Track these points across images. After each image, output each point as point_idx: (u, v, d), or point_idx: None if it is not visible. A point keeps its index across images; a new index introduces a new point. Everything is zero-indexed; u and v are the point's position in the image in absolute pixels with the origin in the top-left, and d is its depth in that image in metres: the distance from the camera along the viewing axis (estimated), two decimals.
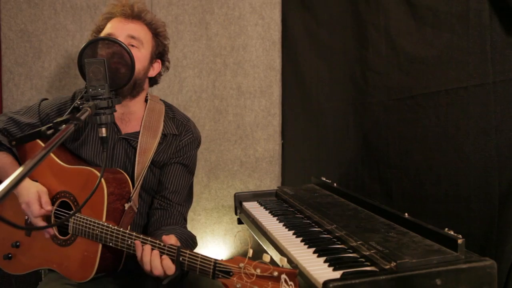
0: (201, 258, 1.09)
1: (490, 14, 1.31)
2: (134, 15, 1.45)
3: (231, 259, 1.05)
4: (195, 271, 1.09)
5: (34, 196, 1.30)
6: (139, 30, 1.44)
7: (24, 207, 1.31)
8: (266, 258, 1.05)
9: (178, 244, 1.17)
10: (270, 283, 0.99)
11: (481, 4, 1.32)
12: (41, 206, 1.31)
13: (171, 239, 1.17)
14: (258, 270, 1.00)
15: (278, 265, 1.06)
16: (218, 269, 1.05)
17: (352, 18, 1.97)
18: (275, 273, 0.99)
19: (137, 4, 1.46)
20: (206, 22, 2.47)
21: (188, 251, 1.11)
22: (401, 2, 1.65)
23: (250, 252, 1.08)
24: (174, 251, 1.12)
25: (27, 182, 1.35)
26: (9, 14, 2.20)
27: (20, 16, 2.21)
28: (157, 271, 1.12)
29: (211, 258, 1.07)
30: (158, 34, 1.50)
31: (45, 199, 1.32)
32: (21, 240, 1.42)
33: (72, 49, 2.27)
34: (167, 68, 1.60)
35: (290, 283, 0.98)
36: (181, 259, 1.11)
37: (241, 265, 1.02)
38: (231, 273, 1.03)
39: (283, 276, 0.98)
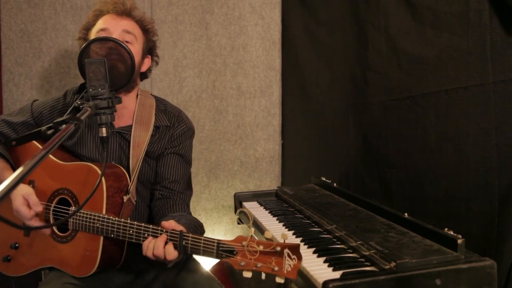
0: (203, 240, 1.10)
1: (490, 14, 1.31)
2: (126, 12, 1.48)
3: (234, 239, 1.06)
4: (199, 253, 1.11)
5: (20, 202, 1.29)
6: (132, 26, 1.48)
7: (15, 215, 1.31)
8: (268, 235, 1.06)
9: (179, 227, 1.17)
10: (273, 258, 1.01)
11: (481, 4, 1.32)
12: (30, 208, 1.30)
13: (171, 224, 1.18)
14: (261, 247, 1.02)
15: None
16: (221, 249, 1.07)
17: (352, 18, 1.97)
18: (278, 248, 1.00)
19: (128, 1, 1.49)
20: (206, 22, 2.47)
21: (190, 235, 1.13)
22: (401, 2, 1.65)
23: (252, 230, 1.09)
24: (176, 236, 1.13)
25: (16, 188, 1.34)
26: (9, 14, 2.20)
27: (20, 16, 2.21)
28: (161, 259, 1.14)
29: (214, 239, 1.09)
30: (147, 31, 1.54)
31: (33, 200, 1.30)
32: (19, 241, 1.42)
33: (72, 49, 2.27)
34: (156, 63, 1.64)
35: (293, 256, 0.99)
36: (184, 243, 1.12)
37: (244, 243, 1.04)
38: (234, 252, 1.05)
39: (286, 250, 1.00)
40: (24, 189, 1.32)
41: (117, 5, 1.46)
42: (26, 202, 1.30)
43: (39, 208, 1.31)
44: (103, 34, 1.42)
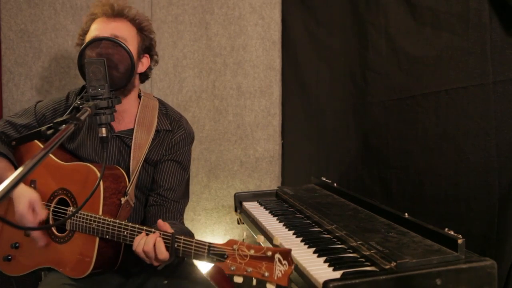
0: (195, 243, 1.10)
1: (490, 14, 1.31)
2: (116, 13, 1.44)
3: (225, 242, 1.05)
4: (190, 256, 1.11)
5: (26, 207, 1.30)
6: (122, 28, 1.43)
7: (18, 218, 1.31)
8: (260, 239, 1.05)
9: (172, 231, 1.18)
10: (264, 263, 0.99)
11: (481, 4, 1.32)
12: (34, 214, 1.31)
13: (165, 225, 1.19)
14: (252, 251, 1.01)
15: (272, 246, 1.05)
16: (212, 253, 1.06)
17: (352, 18, 1.97)
18: (269, 253, 0.99)
19: (118, 2, 1.45)
20: (206, 22, 2.47)
21: (182, 237, 1.13)
22: (401, 2, 1.65)
23: (245, 234, 1.08)
24: (169, 237, 1.13)
25: (21, 189, 1.34)
26: (9, 14, 2.20)
27: (20, 16, 2.21)
28: (150, 256, 1.14)
29: (205, 242, 1.08)
30: (142, 29, 1.49)
31: (39, 207, 1.31)
32: (20, 241, 1.42)
33: (72, 49, 2.26)
34: (156, 62, 1.59)
35: (284, 262, 0.98)
36: (176, 245, 1.12)
37: (235, 247, 1.03)
38: (225, 256, 1.04)
39: (277, 255, 0.98)
40: (31, 194, 1.32)
41: (105, 7, 1.43)
42: (32, 207, 1.30)
43: (43, 215, 1.31)
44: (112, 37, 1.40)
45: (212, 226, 2.54)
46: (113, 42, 1.27)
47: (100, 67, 1.14)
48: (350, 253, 1.23)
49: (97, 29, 1.41)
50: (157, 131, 1.51)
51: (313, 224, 1.50)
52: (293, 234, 1.41)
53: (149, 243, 1.14)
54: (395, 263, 1.03)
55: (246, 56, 2.52)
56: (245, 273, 1.01)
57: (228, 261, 1.03)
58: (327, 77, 2.21)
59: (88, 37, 1.42)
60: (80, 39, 1.49)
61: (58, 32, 2.25)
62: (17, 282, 1.84)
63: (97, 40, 1.28)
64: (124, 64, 1.28)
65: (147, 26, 1.51)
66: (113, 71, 1.26)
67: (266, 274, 0.98)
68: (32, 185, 1.42)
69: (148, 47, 1.52)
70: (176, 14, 2.42)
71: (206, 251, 1.07)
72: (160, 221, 1.19)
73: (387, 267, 1.05)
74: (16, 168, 1.42)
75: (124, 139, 1.47)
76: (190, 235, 1.43)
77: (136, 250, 1.16)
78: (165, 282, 1.38)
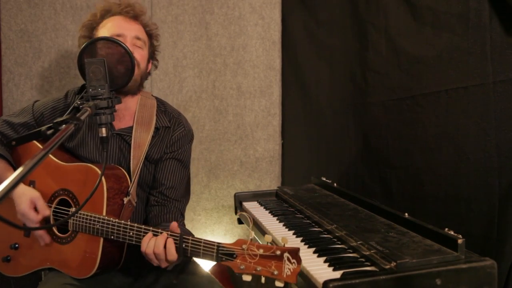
0: (204, 243, 1.10)
1: (490, 14, 1.31)
2: (136, 16, 1.49)
3: (234, 242, 1.06)
4: (199, 256, 1.11)
5: (27, 205, 1.29)
6: (142, 31, 1.50)
7: (20, 218, 1.30)
8: (268, 239, 1.06)
9: (178, 231, 1.18)
10: (273, 262, 1.01)
11: (481, 4, 1.32)
12: (37, 212, 1.30)
13: (173, 226, 1.19)
14: (261, 250, 1.02)
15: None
16: (221, 252, 1.07)
17: (352, 18, 1.97)
18: (278, 252, 1.00)
19: (137, 5, 1.50)
20: (206, 22, 2.47)
21: (190, 237, 1.13)
22: (401, 2, 1.65)
23: (252, 233, 1.09)
24: (177, 238, 1.14)
25: (21, 188, 1.33)
26: (9, 14, 2.20)
27: (20, 16, 2.21)
28: (161, 258, 1.14)
29: (214, 242, 1.09)
30: (151, 36, 1.56)
31: (41, 204, 1.31)
32: (19, 242, 1.42)
33: (72, 49, 2.27)
34: (156, 67, 1.66)
35: (293, 260, 0.99)
36: (184, 245, 1.13)
37: (244, 246, 1.04)
38: (234, 255, 1.05)
39: (286, 254, 1.00)
40: (32, 193, 1.32)
41: (129, 8, 1.46)
42: (34, 205, 1.30)
43: (47, 212, 1.31)
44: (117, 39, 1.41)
45: (212, 226, 2.54)
46: (115, 43, 1.24)
47: (100, 67, 1.14)
48: (350, 253, 1.23)
49: (121, 28, 1.43)
50: (156, 128, 1.51)
51: (313, 224, 1.50)
52: (293, 234, 1.41)
53: (159, 245, 1.14)
54: (395, 263, 1.03)
55: (246, 56, 2.52)
56: (254, 272, 1.02)
57: (237, 261, 1.04)
58: (327, 77, 2.21)
59: (105, 32, 1.42)
60: (87, 31, 1.48)
61: (58, 32, 2.25)
62: (15, 283, 1.83)
63: (97, 41, 1.24)
64: (126, 66, 1.27)
65: (156, 33, 1.58)
66: (113, 72, 1.25)
67: (276, 272, 1.00)
68: (31, 186, 1.42)
69: (153, 52, 1.59)
70: (176, 14, 2.42)
71: (215, 251, 1.08)
72: (173, 224, 1.20)
73: (387, 267, 1.05)
74: (14, 169, 1.42)
75: (124, 136, 1.47)
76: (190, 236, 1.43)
77: (146, 251, 1.16)
78: (175, 281, 1.38)
